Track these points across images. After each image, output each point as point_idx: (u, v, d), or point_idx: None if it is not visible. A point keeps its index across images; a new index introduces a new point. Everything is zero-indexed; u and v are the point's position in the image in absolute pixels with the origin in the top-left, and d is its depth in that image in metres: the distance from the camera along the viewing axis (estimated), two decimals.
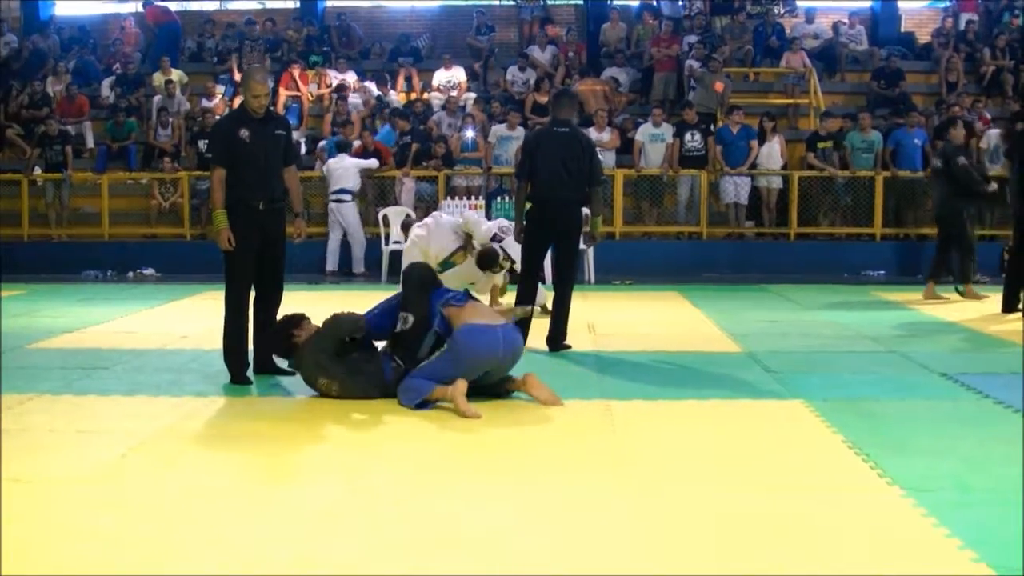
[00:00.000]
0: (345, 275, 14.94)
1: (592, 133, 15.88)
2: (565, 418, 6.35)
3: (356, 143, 15.79)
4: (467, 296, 6.88)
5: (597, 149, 15.42)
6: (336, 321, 6.75)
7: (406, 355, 6.66)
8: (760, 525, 4.33)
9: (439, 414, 6.31)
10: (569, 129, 8.80)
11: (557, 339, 8.72)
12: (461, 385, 6.32)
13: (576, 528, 4.32)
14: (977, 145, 15.65)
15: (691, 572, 3.85)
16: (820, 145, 15.84)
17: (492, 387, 6.72)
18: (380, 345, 6.90)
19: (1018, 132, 11.94)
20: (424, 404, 6.40)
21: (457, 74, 18.33)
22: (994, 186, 12.12)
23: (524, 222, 8.74)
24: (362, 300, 7.77)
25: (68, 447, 5.70)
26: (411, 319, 6.66)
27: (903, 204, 15.80)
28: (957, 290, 11.90)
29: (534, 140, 9.05)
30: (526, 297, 8.69)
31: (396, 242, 14.69)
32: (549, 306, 9.34)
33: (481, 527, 4.33)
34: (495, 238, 9.89)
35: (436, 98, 17.95)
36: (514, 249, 9.47)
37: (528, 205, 8.75)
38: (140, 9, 21.54)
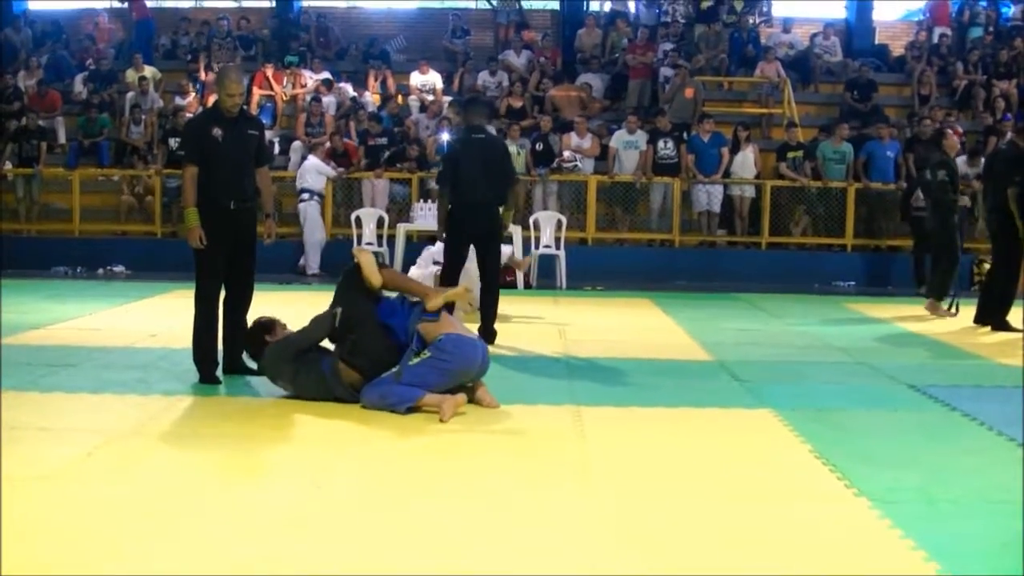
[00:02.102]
0: (298, 275, 14.79)
1: (573, 139, 15.97)
2: (534, 423, 6.35)
3: (326, 144, 15.77)
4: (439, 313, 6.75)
5: (577, 156, 15.66)
6: (309, 329, 6.79)
7: (365, 363, 6.61)
8: (727, 535, 4.33)
9: (408, 417, 6.28)
10: (485, 135, 9.25)
11: (487, 339, 8.70)
12: (461, 398, 6.35)
13: (542, 533, 4.30)
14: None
15: None
16: (790, 155, 15.91)
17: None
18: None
19: (992, 151, 11.97)
20: (413, 410, 6.36)
21: (433, 78, 18.30)
22: (966, 200, 12.13)
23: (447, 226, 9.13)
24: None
25: (33, 445, 5.63)
26: (339, 312, 6.65)
27: (875, 215, 15.88)
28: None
29: (456, 148, 9.49)
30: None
31: (368, 243, 14.69)
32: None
33: (447, 530, 4.32)
34: None
35: (414, 101, 17.96)
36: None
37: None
38: (116, 4, 21.43)
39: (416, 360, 6.43)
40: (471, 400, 6.67)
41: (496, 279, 9.36)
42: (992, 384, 7.82)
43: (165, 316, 10.34)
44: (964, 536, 4.39)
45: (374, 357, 6.60)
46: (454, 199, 9.07)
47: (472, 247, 9.25)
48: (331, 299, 6.84)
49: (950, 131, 12.50)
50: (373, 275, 6.71)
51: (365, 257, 6.80)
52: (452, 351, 6.45)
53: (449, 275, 9.11)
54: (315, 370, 6.69)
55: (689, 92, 17.14)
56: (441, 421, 6.18)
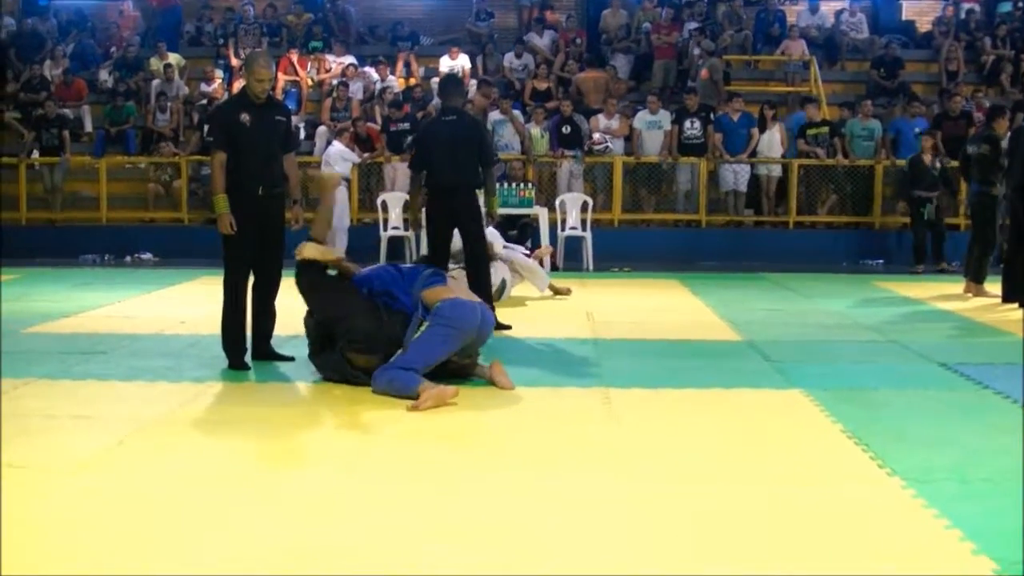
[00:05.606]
0: None
1: (601, 121, 15.89)
2: (564, 406, 6.34)
3: (350, 130, 15.76)
4: (443, 276, 7.05)
5: (607, 138, 15.55)
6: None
7: (365, 346, 6.65)
8: (760, 517, 4.32)
9: None
10: (456, 116, 9.04)
11: None
12: (453, 390, 6.25)
13: (575, 519, 4.30)
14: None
15: (692, 566, 3.84)
16: (811, 132, 15.80)
17: (458, 368, 6.74)
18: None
19: (1017, 127, 11.82)
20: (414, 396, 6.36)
21: (463, 62, 18.24)
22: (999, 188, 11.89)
23: (424, 210, 9.14)
24: None
25: (65, 432, 5.68)
26: (314, 323, 6.89)
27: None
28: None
29: (423, 131, 9.48)
30: None
31: (395, 228, 14.69)
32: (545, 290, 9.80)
33: (480, 515, 4.32)
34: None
35: (435, 85, 17.92)
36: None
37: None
38: None
39: (418, 333, 6.48)
40: (487, 380, 6.72)
41: (480, 266, 8.93)
42: None
43: (193, 303, 10.38)
44: (999, 515, 4.35)
45: (371, 336, 6.61)
46: (428, 183, 8.96)
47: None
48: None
49: (1007, 111, 12.31)
50: (326, 252, 6.94)
51: (309, 250, 6.90)
52: (449, 315, 6.50)
53: (434, 261, 8.85)
54: (331, 354, 6.79)
55: (704, 74, 17.06)
56: (410, 409, 6.04)
